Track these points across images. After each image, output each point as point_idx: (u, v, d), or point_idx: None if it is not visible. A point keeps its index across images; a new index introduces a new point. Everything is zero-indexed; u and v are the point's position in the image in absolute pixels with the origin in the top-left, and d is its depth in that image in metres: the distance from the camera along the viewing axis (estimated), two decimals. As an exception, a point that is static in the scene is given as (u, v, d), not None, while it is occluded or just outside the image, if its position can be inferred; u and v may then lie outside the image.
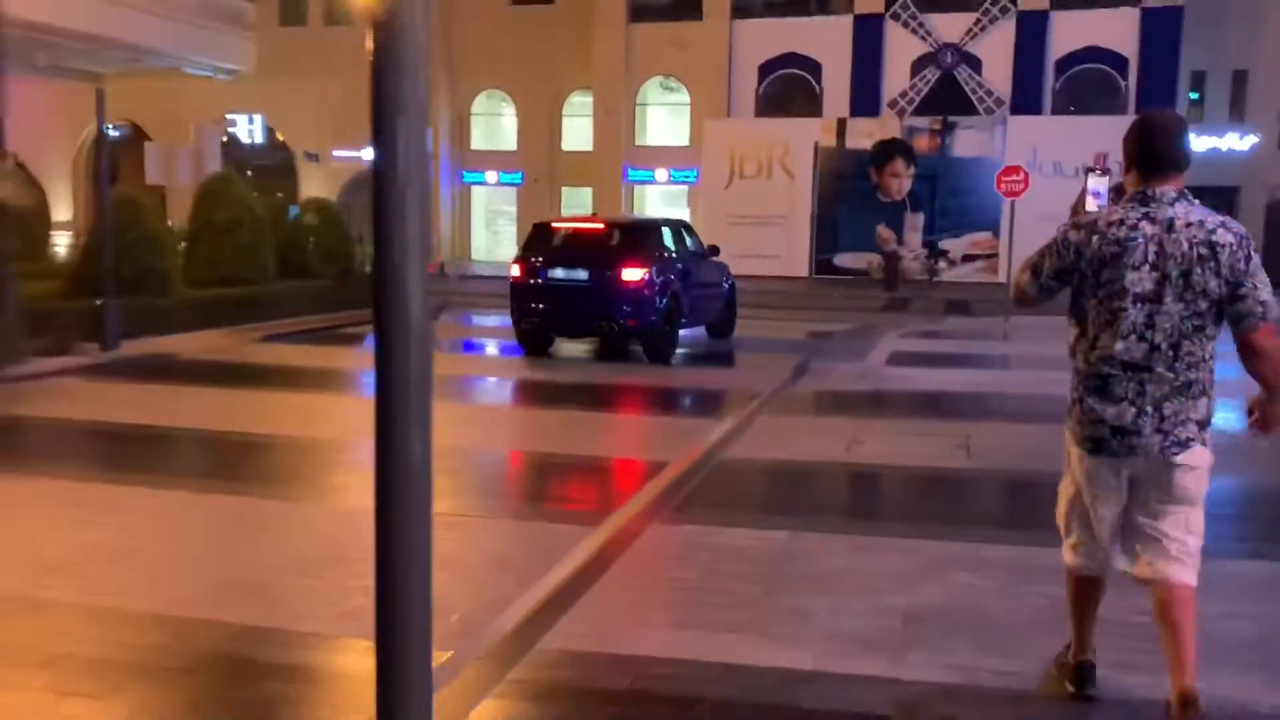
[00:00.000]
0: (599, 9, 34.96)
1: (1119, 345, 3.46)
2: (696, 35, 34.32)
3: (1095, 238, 3.51)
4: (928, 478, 7.58)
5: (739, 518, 6.23)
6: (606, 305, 13.16)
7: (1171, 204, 3.47)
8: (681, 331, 14.04)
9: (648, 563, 5.52)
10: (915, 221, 32.35)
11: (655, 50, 34.74)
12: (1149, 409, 3.47)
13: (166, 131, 31.24)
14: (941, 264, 32.13)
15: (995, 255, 31.65)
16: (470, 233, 39.31)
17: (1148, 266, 3.43)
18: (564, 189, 37.95)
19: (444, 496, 6.58)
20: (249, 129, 39.07)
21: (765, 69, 34.43)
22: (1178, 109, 31.12)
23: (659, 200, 37.15)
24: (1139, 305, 3.44)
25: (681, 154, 35.22)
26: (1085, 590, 3.82)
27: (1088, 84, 32.17)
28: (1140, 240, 3.44)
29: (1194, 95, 32.61)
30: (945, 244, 32.26)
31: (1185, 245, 3.41)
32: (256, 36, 28.63)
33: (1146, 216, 3.46)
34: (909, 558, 5.40)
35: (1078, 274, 3.55)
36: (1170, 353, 3.43)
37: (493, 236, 39.93)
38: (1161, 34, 30.91)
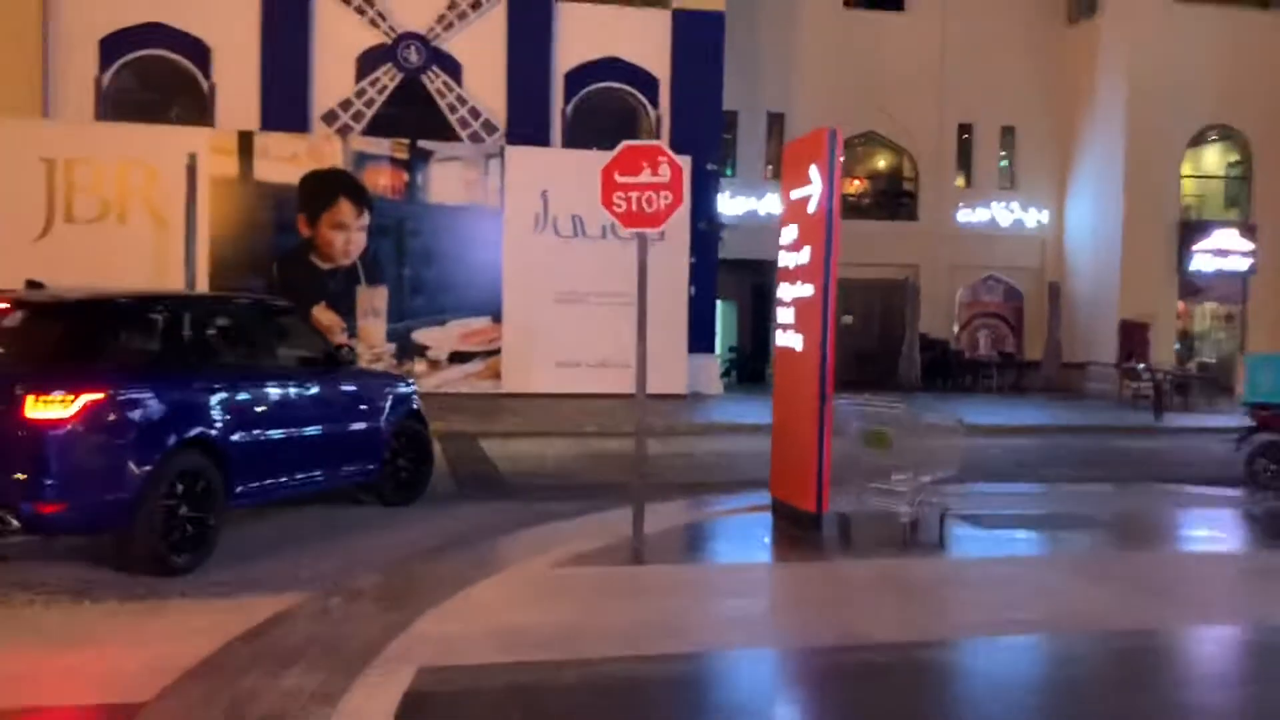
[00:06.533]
0: None
1: None
2: (-22, -26, 19.66)
3: None
4: None
5: None
6: None
7: None
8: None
9: None
10: (374, 300, 20.45)
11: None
12: None
13: None
14: (420, 366, 20.52)
15: (497, 352, 20.87)
16: None
17: None
18: None
19: None
20: None
21: (112, 46, 20.61)
22: (716, 150, 22.97)
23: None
24: None
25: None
26: None
27: (607, 109, 22.87)
28: None
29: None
30: (423, 336, 20.74)
31: None
32: None
33: None
34: None
35: None
36: None
37: None
38: (699, 49, 22.65)
